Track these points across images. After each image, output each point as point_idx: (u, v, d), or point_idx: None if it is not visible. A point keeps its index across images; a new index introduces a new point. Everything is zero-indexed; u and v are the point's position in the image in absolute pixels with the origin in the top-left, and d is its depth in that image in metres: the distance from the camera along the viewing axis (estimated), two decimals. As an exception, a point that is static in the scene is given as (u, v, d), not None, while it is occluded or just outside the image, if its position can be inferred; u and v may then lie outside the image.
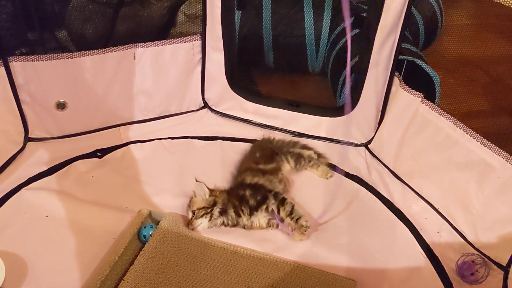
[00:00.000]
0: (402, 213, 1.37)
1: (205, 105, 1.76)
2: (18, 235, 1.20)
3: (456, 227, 1.30)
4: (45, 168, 1.43)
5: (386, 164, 1.52)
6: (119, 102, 1.60)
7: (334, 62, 1.80)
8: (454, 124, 1.28)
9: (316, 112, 1.65)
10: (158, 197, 1.36)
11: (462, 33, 1.42)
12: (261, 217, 1.27)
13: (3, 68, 1.38)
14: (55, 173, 1.42)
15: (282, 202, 1.28)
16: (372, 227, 1.32)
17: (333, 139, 1.65)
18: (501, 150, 1.17)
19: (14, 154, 1.45)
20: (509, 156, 1.16)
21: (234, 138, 1.65)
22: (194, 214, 1.26)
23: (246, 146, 1.58)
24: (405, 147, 1.45)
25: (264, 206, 1.27)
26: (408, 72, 1.47)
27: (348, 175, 1.50)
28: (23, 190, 1.34)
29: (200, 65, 1.67)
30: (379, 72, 1.46)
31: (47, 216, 1.26)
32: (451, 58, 1.48)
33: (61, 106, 1.51)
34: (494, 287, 1.15)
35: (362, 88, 1.51)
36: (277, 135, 1.65)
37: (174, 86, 1.67)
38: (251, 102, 1.69)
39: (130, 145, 1.57)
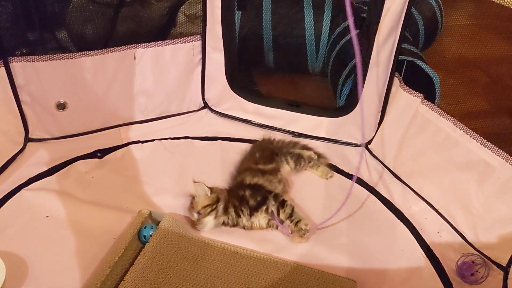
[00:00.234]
0: (402, 213, 1.37)
1: (205, 106, 1.76)
2: (18, 235, 1.20)
3: (456, 227, 1.30)
4: (45, 169, 1.43)
5: (386, 164, 1.52)
6: (119, 103, 1.61)
7: (334, 62, 1.80)
8: (454, 124, 1.28)
9: (316, 112, 1.65)
10: (158, 197, 1.36)
11: (462, 34, 1.43)
12: (261, 218, 1.27)
13: (3, 68, 1.38)
14: (55, 174, 1.42)
15: (282, 204, 1.28)
16: (372, 228, 1.32)
17: (333, 139, 1.65)
18: (501, 151, 1.18)
19: (14, 155, 1.45)
20: (509, 156, 1.16)
21: (234, 138, 1.65)
22: (199, 214, 1.25)
23: (246, 146, 1.58)
24: (405, 148, 1.45)
25: (264, 207, 1.27)
26: (408, 73, 1.47)
27: (348, 175, 1.51)
28: (23, 191, 1.34)
29: (200, 66, 1.68)
30: (379, 73, 1.46)
31: (47, 216, 1.26)
32: (451, 58, 1.48)
33: (61, 106, 1.51)
34: (494, 287, 1.15)
35: (362, 89, 1.50)
36: (277, 136, 1.65)
37: (174, 87, 1.67)
38: (251, 102, 1.69)
39: (130, 146, 1.57)
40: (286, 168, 1.47)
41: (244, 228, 1.27)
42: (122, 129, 1.64)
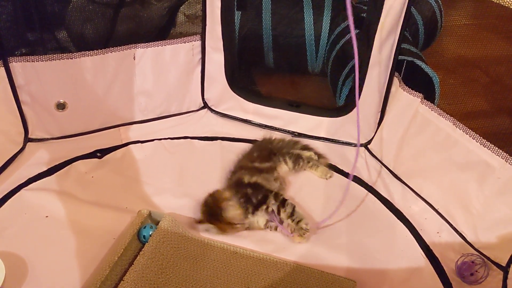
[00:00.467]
0: (402, 213, 1.37)
1: (205, 106, 1.76)
2: (18, 236, 1.20)
3: (456, 227, 1.30)
4: (45, 169, 1.43)
5: (386, 164, 1.52)
6: (119, 103, 1.61)
7: (334, 62, 1.80)
8: (453, 124, 1.28)
9: (316, 112, 1.65)
10: (158, 197, 1.36)
11: (462, 34, 1.43)
12: (260, 217, 1.27)
13: (3, 68, 1.38)
14: (55, 174, 1.42)
15: (282, 203, 1.27)
16: (372, 228, 1.32)
17: (333, 139, 1.65)
18: (501, 151, 1.17)
19: (14, 155, 1.45)
20: (508, 156, 1.16)
21: (234, 138, 1.65)
22: (241, 223, 1.25)
23: (246, 146, 1.58)
24: (405, 148, 1.45)
25: (264, 206, 1.26)
26: (408, 73, 1.47)
27: (347, 175, 1.51)
28: (23, 191, 1.34)
29: (200, 66, 1.68)
30: (379, 73, 1.46)
31: (47, 216, 1.26)
32: (451, 58, 1.48)
33: (61, 106, 1.51)
34: (494, 287, 1.15)
35: (362, 89, 1.51)
36: (277, 136, 1.65)
37: (174, 87, 1.67)
38: (251, 102, 1.69)
39: (130, 146, 1.57)
40: (284, 168, 1.47)
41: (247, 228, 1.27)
42: (122, 129, 1.64)
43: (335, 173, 1.51)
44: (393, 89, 1.50)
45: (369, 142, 1.60)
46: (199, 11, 1.58)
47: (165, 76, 1.63)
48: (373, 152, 1.58)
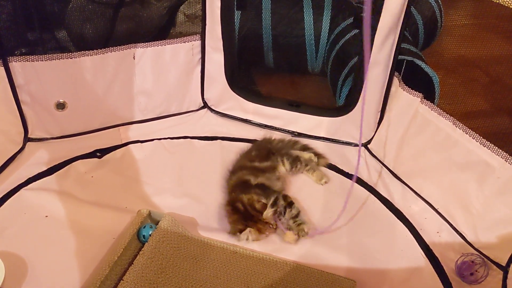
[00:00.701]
0: (401, 213, 1.37)
1: (205, 105, 1.76)
2: (18, 235, 1.20)
3: (456, 227, 1.30)
4: (45, 168, 1.43)
5: (385, 164, 1.52)
6: (119, 102, 1.61)
7: (334, 62, 1.80)
8: (453, 124, 1.28)
9: (316, 112, 1.65)
10: (157, 197, 1.36)
11: (462, 33, 1.43)
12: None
13: (3, 68, 1.38)
14: (55, 173, 1.42)
15: (290, 205, 1.28)
16: (371, 227, 1.32)
17: (333, 139, 1.65)
18: (501, 150, 1.17)
19: (14, 154, 1.45)
20: (508, 156, 1.16)
21: (234, 138, 1.65)
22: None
23: (246, 146, 1.58)
24: (404, 147, 1.45)
25: (276, 207, 1.27)
26: (408, 72, 1.47)
27: (347, 175, 1.51)
28: (22, 190, 1.34)
29: (199, 65, 1.67)
30: (379, 72, 1.46)
31: (46, 216, 1.26)
32: (451, 58, 1.48)
33: (61, 106, 1.51)
34: (494, 287, 1.15)
35: (362, 88, 1.51)
36: (277, 136, 1.65)
37: (174, 86, 1.67)
38: (251, 102, 1.69)
39: (130, 145, 1.57)
40: (282, 169, 1.47)
41: None
42: (122, 129, 1.64)
43: (335, 173, 1.51)
44: (393, 89, 1.50)
45: (369, 142, 1.60)
46: (199, 11, 1.58)
47: (165, 76, 1.63)
48: (373, 152, 1.58)
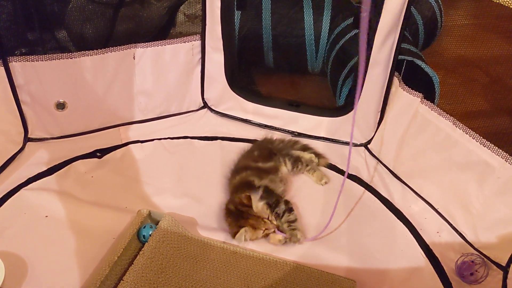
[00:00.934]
0: (401, 213, 1.37)
1: (205, 105, 1.76)
2: (18, 235, 1.20)
3: (456, 227, 1.30)
4: (45, 168, 1.43)
5: (385, 164, 1.52)
6: (119, 102, 1.61)
7: (334, 62, 1.80)
8: (453, 124, 1.28)
9: (316, 112, 1.65)
10: (158, 197, 1.36)
11: (462, 33, 1.42)
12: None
13: (3, 68, 1.38)
14: (55, 173, 1.42)
15: (289, 210, 1.28)
16: (371, 227, 1.32)
17: (333, 139, 1.65)
18: (501, 150, 1.17)
19: (14, 154, 1.45)
20: (508, 156, 1.16)
21: (234, 138, 1.65)
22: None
23: (246, 146, 1.58)
24: (404, 147, 1.45)
25: (276, 209, 1.27)
26: (408, 72, 1.47)
27: (347, 175, 1.51)
28: (22, 190, 1.34)
29: (199, 65, 1.67)
30: (379, 72, 1.46)
31: (46, 216, 1.26)
32: (451, 58, 1.48)
33: (61, 106, 1.51)
34: (494, 287, 1.15)
35: (362, 88, 1.51)
36: (277, 135, 1.65)
37: (174, 86, 1.67)
38: (251, 102, 1.69)
39: (130, 145, 1.57)
40: (283, 169, 1.47)
41: None
42: (122, 129, 1.64)
43: (335, 173, 1.51)
44: (393, 89, 1.49)
45: (369, 142, 1.60)
46: (199, 11, 1.58)
47: (165, 76, 1.63)
48: (373, 152, 1.58)
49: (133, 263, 1.11)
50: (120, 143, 1.57)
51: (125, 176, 1.44)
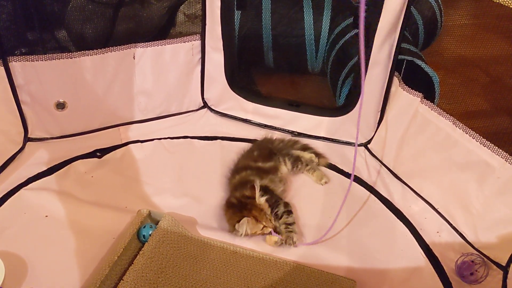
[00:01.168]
0: (401, 213, 1.37)
1: (205, 105, 1.76)
2: (18, 235, 1.20)
3: (456, 227, 1.30)
4: (45, 168, 1.43)
5: (385, 164, 1.52)
6: (119, 102, 1.61)
7: (334, 62, 1.80)
8: (453, 124, 1.28)
9: (316, 112, 1.65)
10: (158, 197, 1.36)
11: (462, 33, 1.42)
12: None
13: (3, 68, 1.38)
14: (55, 173, 1.42)
15: (288, 212, 1.28)
16: (372, 227, 1.32)
17: (333, 139, 1.65)
18: (501, 150, 1.17)
19: (14, 154, 1.45)
20: (508, 156, 1.16)
21: (234, 138, 1.65)
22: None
23: (246, 146, 1.58)
24: (404, 147, 1.45)
25: (275, 210, 1.27)
26: (408, 72, 1.47)
27: (347, 175, 1.51)
28: (22, 190, 1.34)
29: (199, 65, 1.68)
30: (379, 72, 1.46)
31: (46, 216, 1.26)
32: (451, 58, 1.48)
33: (61, 106, 1.51)
34: (494, 287, 1.15)
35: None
36: (277, 135, 1.65)
37: (174, 86, 1.67)
38: (251, 102, 1.69)
39: (130, 145, 1.57)
40: (283, 169, 1.47)
41: None
42: (122, 128, 1.64)
43: (335, 173, 1.51)
44: (393, 88, 1.50)
45: (369, 141, 1.60)
46: (199, 11, 1.58)
47: (165, 75, 1.63)
48: (373, 152, 1.58)
49: (133, 263, 1.11)
50: (120, 143, 1.58)
51: (125, 176, 1.44)
